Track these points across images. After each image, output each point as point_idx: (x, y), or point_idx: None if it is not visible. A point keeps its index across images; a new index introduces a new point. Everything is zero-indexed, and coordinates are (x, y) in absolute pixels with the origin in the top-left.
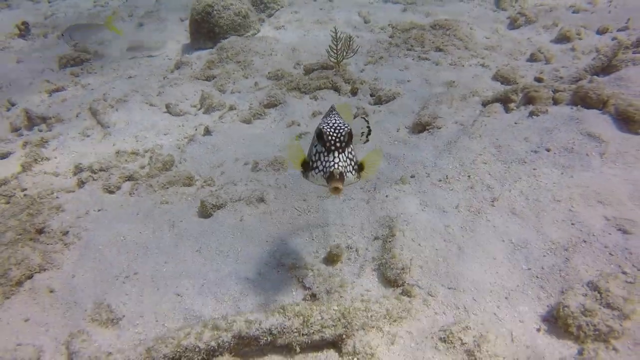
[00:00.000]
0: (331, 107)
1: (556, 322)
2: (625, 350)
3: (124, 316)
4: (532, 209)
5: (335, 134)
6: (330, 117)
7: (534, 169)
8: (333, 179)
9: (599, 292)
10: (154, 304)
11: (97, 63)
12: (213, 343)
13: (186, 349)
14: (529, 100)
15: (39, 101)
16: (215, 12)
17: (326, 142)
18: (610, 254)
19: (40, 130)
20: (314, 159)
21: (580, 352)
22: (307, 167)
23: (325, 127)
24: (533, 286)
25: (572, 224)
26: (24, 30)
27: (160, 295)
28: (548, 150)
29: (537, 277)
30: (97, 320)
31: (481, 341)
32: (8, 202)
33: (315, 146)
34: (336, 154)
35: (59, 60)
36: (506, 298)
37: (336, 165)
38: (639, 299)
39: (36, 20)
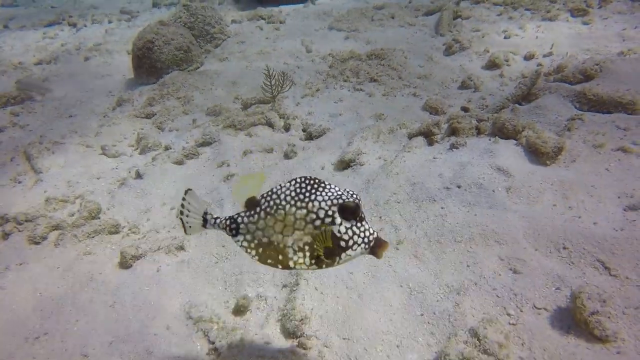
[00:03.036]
0: (312, 179)
1: None
2: None
3: None
4: (433, 251)
5: (360, 202)
6: (327, 188)
7: (442, 208)
8: (383, 243)
9: (477, 339)
10: None
11: (38, 102)
12: None
13: None
14: (452, 131)
15: None
16: (156, 47)
17: (360, 212)
18: (497, 296)
19: None
20: (345, 237)
21: None
22: (331, 252)
23: (352, 198)
24: (424, 333)
25: (468, 266)
26: None
27: (67, 356)
28: (459, 186)
29: (428, 322)
30: None
31: None
32: None
33: (340, 225)
34: (366, 220)
35: None
36: (397, 346)
37: (373, 230)
38: (518, 340)
39: None
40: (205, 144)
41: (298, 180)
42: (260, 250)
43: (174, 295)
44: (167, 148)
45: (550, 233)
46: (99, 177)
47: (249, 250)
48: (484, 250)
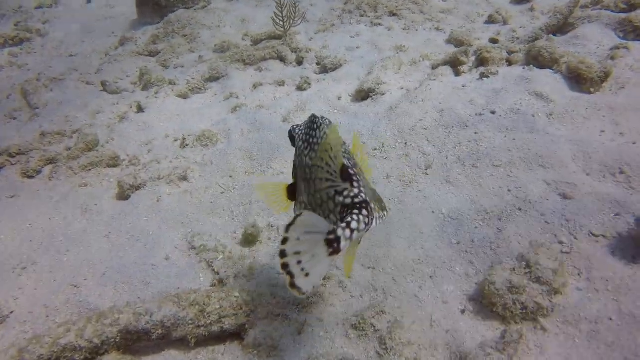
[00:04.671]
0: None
1: (483, 301)
2: (554, 329)
3: (12, 312)
4: (468, 176)
5: None
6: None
7: (476, 133)
8: None
9: (528, 266)
10: (48, 297)
11: (38, 42)
12: (96, 340)
13: (65, 348)
14: (481, 62)
15: None
16: None
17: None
18: (546, 222)
19: None
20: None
21: (503, 335)
22: None
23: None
24: (462, 262)
25: (509, 190)
26: None
27: (56, 287)
28: (493, 112)
29: (466, 251)
30: None
31: (394, 327)
32: None
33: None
34: None
35: None
36: (431, 277)
37: None
38: (574, 269)
39: None
40: (212, 79)
41: (313, 119)
42: (378, 203)
43: (175, 225)
44: (171, 83)
45: (602, 157)
46: (98, 112)
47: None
48: (527, 174)
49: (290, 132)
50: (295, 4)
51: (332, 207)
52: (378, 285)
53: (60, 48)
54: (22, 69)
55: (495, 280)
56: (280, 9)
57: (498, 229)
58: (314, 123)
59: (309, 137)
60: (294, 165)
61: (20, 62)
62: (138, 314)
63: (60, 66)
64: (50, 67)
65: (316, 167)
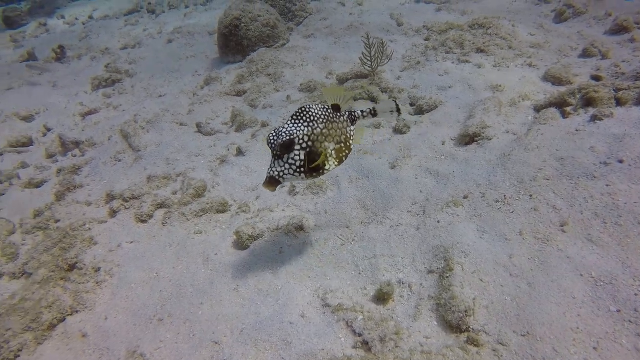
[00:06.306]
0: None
1: None
2: None
3: None
4: (613, 234)
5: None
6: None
7: (608, 185)
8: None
9: None
10: (190, 353)
11: (128, 83)
12: None
13: None
14: (588, 102)
15: (73, 125)
16: (243, 25)
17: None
18: None
19: (74, 156)
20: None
21: None
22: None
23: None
24: (628, 334)
25: None
26: (60, 54)
27: (196, 342)
28: (621, 161)
29: (630, 321)
30: None
31: None
32: (42, 235)
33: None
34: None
35: (92, 82)
36: (595, 349)
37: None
38: None
39: (71, 42)
40: None
41: (301, 110)
42: None
43: (302, 280)
44: (264, 125)
45: None
46: (197, 155)
47: None
48: None
49: (287, 141)
50: (383, 43)
51: (345, 125)
52: (537, 355)
53: (149, 89)
54: (117, 110)
55: None
56: (368, 49)
57: None
58: (302, 111)
59: (307, 119)
60: (299, 161)
61: (115, 103)
62: None
63: (153, 107)
64: (144, 107)
65: (330, 122)
